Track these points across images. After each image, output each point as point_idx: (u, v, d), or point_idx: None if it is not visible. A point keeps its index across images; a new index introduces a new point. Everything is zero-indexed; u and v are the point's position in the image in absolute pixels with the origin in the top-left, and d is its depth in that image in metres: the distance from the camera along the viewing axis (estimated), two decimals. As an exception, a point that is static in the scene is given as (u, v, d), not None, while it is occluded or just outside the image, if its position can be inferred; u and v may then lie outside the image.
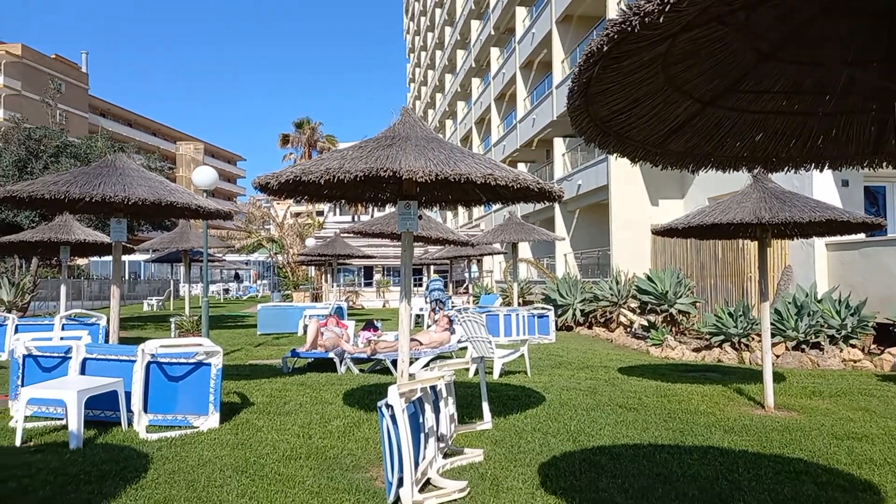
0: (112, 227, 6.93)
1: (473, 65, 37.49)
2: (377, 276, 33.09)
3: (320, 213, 50.85)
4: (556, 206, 23.81)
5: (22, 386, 5.92)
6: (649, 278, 13.02)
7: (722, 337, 10.34)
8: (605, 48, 1.95)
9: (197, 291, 29.87)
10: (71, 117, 53.71)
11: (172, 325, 13.56)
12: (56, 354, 6.16)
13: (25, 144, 17.63)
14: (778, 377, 7.81)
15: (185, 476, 4.31)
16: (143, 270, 43.84)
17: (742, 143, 3.11)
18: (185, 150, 71.02)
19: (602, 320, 15.08)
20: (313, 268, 34.00)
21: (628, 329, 14.06)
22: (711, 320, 10.57)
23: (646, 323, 12.84)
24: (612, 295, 14.65)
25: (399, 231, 4.90)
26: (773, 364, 6.90)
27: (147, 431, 5.44)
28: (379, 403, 3.89)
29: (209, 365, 5.77)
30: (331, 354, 8.99)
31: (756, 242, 7.86)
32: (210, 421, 5.67)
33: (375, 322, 10.67)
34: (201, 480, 4.23)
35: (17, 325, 10.52)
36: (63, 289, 11.68)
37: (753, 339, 10.24)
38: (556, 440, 5.28)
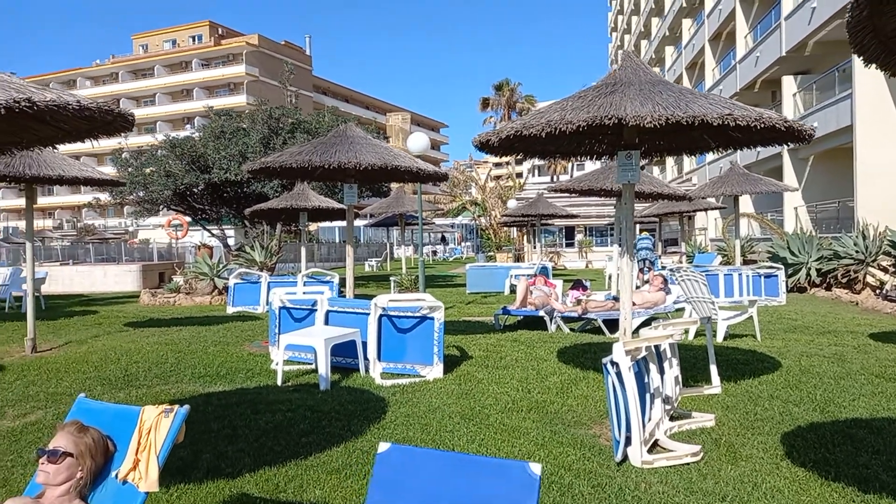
0: (345, 191, 7.60)
1: (684, 4, 34.50)
2: (579, 237, 32.56)
3: (520, 176, 51.12)
4: (785, 153, 21.30)
5: (279, 334, 6.82)
6: (908, 232, 11.14)
7: None
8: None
9: (409, 253, 31.98)
10: (299, 97, 59.90)
11: (392, 283, 14.69)
12: (304, 307, 6.98)
13: (267, 123, 20.07)
14: None
15: (418, 420, 4.65)
16: (362, 234, 47.90)
17: None
18: (394, 120, 75.59)
19: (844, 281, 13.28)
20: (515, 229, 34.45)
21: (878, 291, 12.23)
22: None
23: (903, 284, 11.05)
24: (857, 252, 12.80)
25: (618, 183, 4.70)
26: None
27: (381, 378, 5.96)
28: (604, 360, 3.81)
29: (433, 319, 6.13)
30: (541, 313, 9.05)
31: None
32: (435, 371, 6.04)
33: (584, 281, 10.52)
34: (433, 425, 4.53)
35: (268, 283, 12.17)
36: (303, 250, 13.23)
37: None
38: (798, 409, 4.78)
